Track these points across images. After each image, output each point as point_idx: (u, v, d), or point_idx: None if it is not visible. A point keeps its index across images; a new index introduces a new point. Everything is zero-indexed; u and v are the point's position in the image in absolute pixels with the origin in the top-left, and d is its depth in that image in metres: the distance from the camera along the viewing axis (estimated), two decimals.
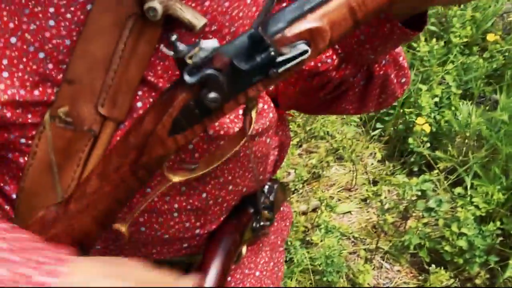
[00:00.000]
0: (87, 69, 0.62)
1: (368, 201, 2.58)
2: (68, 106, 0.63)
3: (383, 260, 2.31)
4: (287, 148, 0.95)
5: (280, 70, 0.56)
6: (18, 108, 0.62)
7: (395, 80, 0.87)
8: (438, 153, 2.65)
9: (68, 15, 0.61)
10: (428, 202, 2.25)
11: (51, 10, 0.60)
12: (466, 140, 2.69)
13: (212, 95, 0.56)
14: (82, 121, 0.64)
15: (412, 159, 2.71)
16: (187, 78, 0.56)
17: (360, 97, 0.88)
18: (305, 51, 0.57)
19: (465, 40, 2.99)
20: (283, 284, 2.09)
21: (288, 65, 0.57)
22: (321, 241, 2.23)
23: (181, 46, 0.55)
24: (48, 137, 0.63)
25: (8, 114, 0.62)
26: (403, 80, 0.88)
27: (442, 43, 3.00)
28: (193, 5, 0.64)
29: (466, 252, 2.10)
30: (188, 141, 0.61)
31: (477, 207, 2.26)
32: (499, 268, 2.18)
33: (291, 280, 2.14)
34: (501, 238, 2.22)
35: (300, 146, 2.88)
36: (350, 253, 2.33)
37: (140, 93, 0.66)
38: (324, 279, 2.07)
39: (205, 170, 0.65)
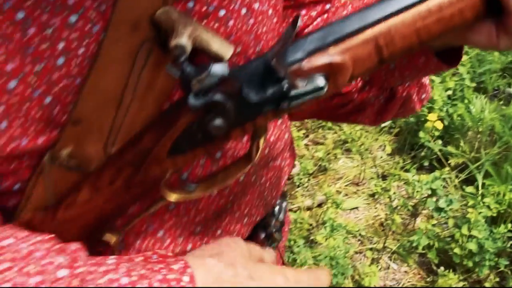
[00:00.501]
0: (96, 107, 0.54)
1: (376, 196, 2.51)
2: (72, 147, 0.55)
3: (391, 260, 2.25)
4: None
5: (293, 103, 0.52)
6: (16, 158, 0.53)
7: (416, 98, 0.84)
8: (449, 148, 2.58)
9: (81, 50, 0.51)
10: (438, 201, 2.18)
11: (61, 46, 0.50)
12: (479, 135, 2.62)
13: (217, 121, 0.52)
14: (88, 162, 0.56)
15: (422, 153, 2.64)
16: (192, 101, 0.51)
17: (378, 112, 0.85)
18: (321, 88, 0.52)
19: None
20: None
21: (301, 99, 0.52)
22: (326, 239, 2.17)
23: (189, 68, 0.50)
24: (47, 180, 0.56)
25: (5, 166, 0.53)
26: (423, 96, 0.85)
27: None
28: (217, 25, 0.58)
29: (476, 255, 2.05)
30: (188, 163, 0.58)
31: (488, 207, 2.20)
32: (510, 271, 2.13)
33: None
34: None
35: (307, 136, 2.81)
36: (356, 253, 2.27)
37: None
38: None
39: (204, 193, 0.61)
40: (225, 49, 0.53)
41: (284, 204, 0.89)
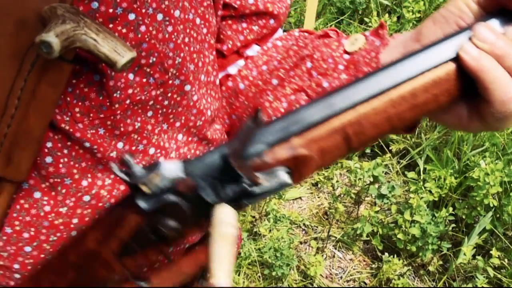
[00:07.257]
0: None
1: (319, 185, 2.49)
2: None
3: (335, 248, 2.24)
4: None
5: (252, 200, 0.46)
6: None
7: None
8: (390, 135, 2.58)
9: None
10: (381, 188, 2.18)
11: None
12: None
13: (172, 223, 0.46)
14: None
15: None
16: (141, 204, 0.46)
17: None
18: (287, 184, 0.46)
19: (418, 15, 2.91)
20: None
21: (261, 197, 0.46)
22: (270, 231, 2.13)
23: (137, 169, 0.44)
24: None
25: None
26: None
27: (395, 18, 2.91)
28: (124, 31, 0.52)
29: (419, 240, 2.05)
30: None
31: (430, 192, 2.22)
32: (452, 255, 2.14)
33: (239, 275, 2.03)
34: (453, 225, 2.18)
35: None
36: (301, 243, 2.24)
37: (49, 145, 0.53)
38: (274, 273, 1.97)
39: None
40: (120, 54, 0.47)
41: None
